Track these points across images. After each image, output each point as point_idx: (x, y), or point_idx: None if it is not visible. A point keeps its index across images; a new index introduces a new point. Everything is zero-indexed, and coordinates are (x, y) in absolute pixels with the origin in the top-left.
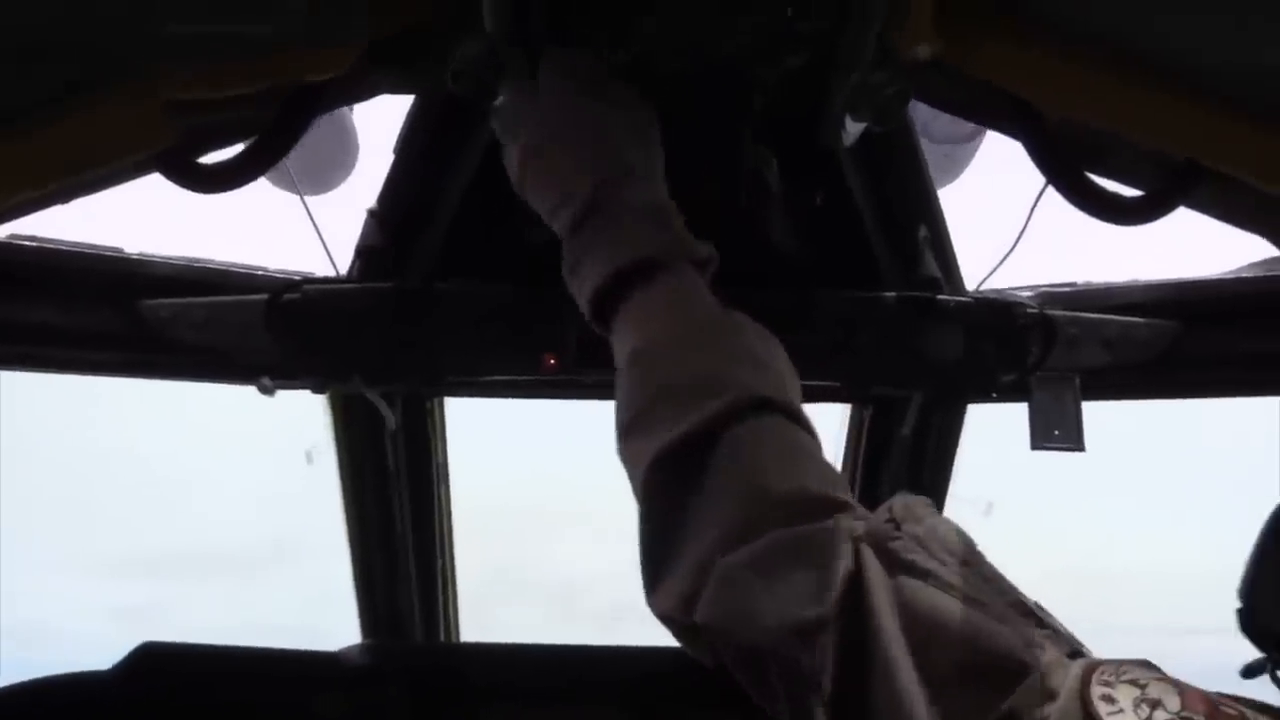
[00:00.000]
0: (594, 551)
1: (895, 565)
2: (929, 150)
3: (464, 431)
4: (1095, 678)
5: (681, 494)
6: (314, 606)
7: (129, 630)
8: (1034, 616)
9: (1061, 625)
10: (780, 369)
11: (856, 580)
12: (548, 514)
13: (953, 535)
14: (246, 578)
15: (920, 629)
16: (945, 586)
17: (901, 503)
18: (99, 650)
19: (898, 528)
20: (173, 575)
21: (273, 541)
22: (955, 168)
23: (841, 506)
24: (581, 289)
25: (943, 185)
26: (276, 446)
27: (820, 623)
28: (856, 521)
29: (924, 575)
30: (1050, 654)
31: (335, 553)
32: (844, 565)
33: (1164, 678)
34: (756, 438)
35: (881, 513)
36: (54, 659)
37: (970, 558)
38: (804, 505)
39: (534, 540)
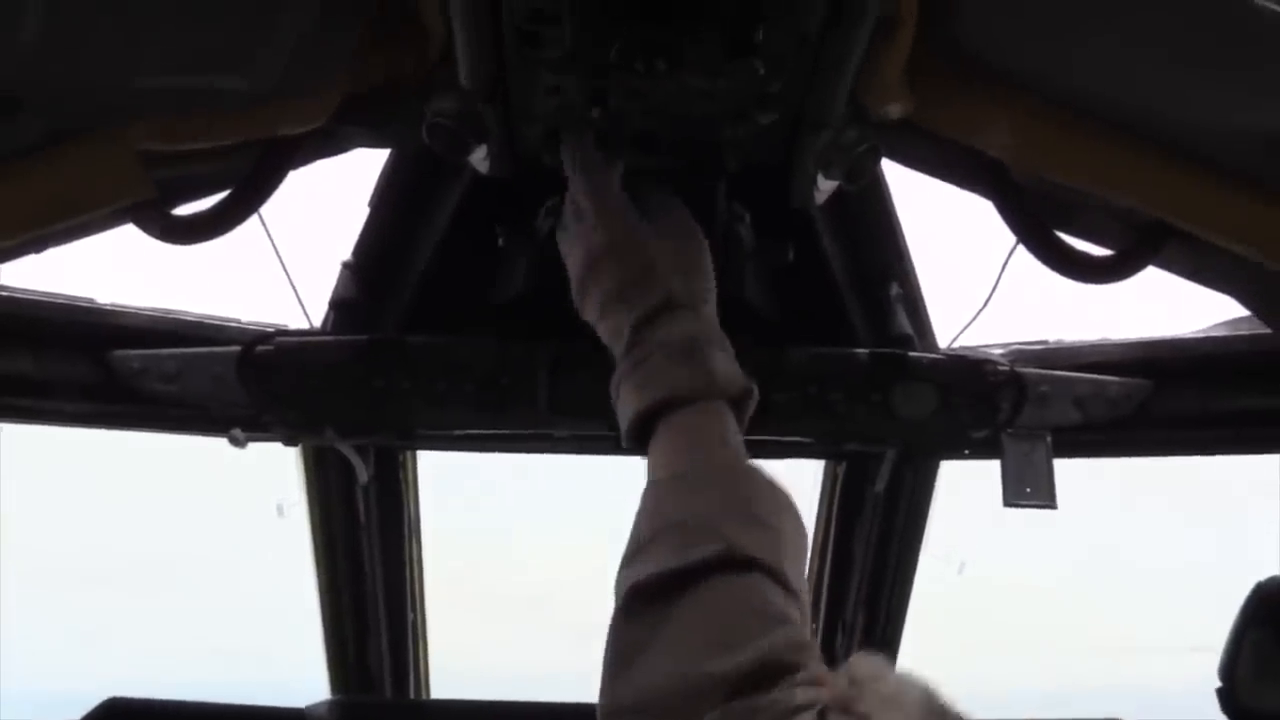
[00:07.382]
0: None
1: None
2: None
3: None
4: None
5: (642, 633)
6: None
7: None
8: None
9: None
10: (780, 527)
11: None
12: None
13: (918, 692)
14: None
15: None
16: None
17: (862, 664)
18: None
19: (861, 690)
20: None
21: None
22: None
23: (793, 669)
24: (623, 415)
25: None
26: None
27: None
28: (819, 689)
29: None
30: None
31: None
32: None
33: None
34: (728, 595)
35: (841, 676)
36: None
37: (938, 713)
38: (745, 679)
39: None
